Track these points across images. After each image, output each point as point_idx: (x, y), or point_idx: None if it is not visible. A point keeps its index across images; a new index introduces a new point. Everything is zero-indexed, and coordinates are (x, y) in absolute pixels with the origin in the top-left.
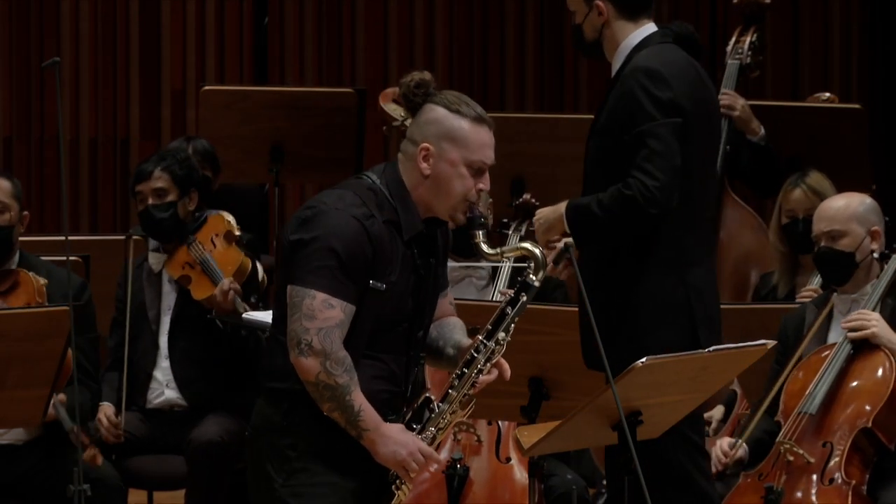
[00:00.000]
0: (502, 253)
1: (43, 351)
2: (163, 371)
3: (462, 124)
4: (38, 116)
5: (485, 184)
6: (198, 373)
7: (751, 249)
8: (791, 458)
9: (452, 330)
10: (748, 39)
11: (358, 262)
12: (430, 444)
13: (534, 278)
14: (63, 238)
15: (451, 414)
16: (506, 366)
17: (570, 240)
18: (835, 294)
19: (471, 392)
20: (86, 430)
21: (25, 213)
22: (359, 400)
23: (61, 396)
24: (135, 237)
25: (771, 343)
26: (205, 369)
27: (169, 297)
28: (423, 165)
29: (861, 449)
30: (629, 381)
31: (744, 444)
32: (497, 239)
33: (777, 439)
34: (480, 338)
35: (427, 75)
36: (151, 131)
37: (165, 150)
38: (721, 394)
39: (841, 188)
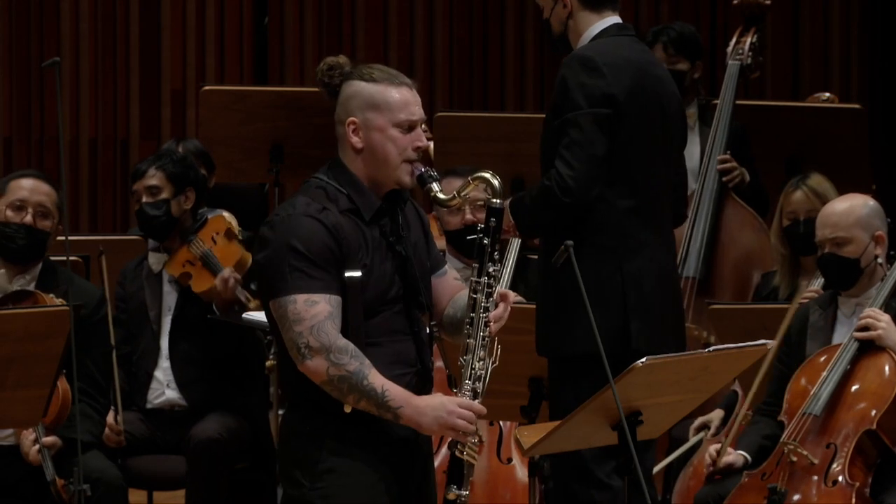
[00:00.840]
0: (459, 193)
1: (43, 351)
2: (163, 371)
3: (380, 89)
4: (38, 116)
5: (421, 141)
6: (198, 373)
7: (752, 249)
8: (795, 459)
9: (466, 300)
10: (748, 40)
11: (324, 253)
12: (474, 398)
13: (497, 202)
14: (63, 238)
15: (479, 362)
16: (510, 294)
17: (570, 241)
18: (839, 296)
19: (487, 334)
20: (67, 484)
21: (60, 226)
22: (378, 381)
23: (50, 439)
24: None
25: (771, 343)
26: (205, 370)
27: (169, 298)
28: (355, 139)
29: (864, 451)
30: (629, 381)
31: (742, 453)
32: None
33: (781, 439)
34: (473, 278)
35: (341, 58)
36: (151, 131)
37: (162, 150)
38: (720, 396)
39: (841, 188)
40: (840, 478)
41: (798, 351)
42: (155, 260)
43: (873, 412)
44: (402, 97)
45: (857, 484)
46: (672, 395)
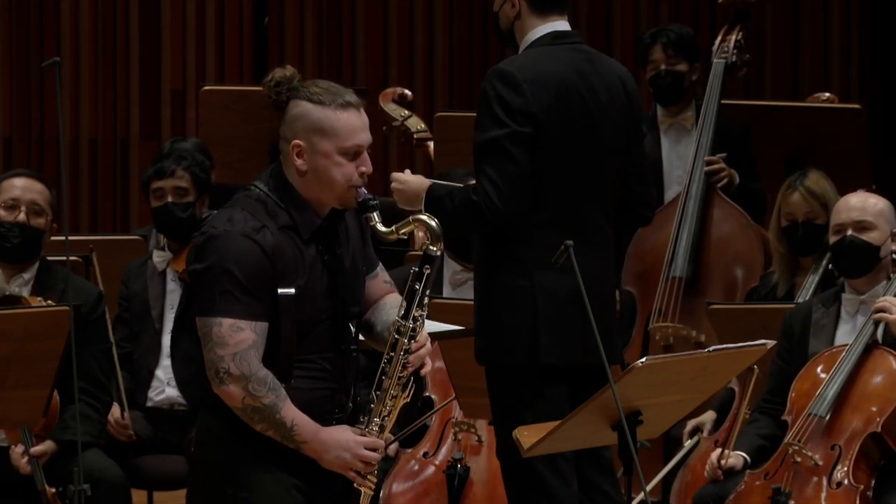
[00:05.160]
0: (397, 230)
1: (43, 351)
2: (164, 369)
3: (327, 114)
4: (38, 116)
5: (366, 166)
6: (199, 371)
7: (739, 248)
8: (799, 460)
9: (388, 311)
10: (734, 38)
11: (258, 278)
12: (380, 434)
13: (434, 249)
14: (63, 238)
15: (391, 399)
16: (427, 360)
17: (569, 241)
18: (843, 294)
19: (404, 374)
20: (58, 492)
21: (55, 224)
22: (290, 414)
23: (41, 448)
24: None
25: (771, 343)
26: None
27: (173, 296)
28: (299, 162)
29: (868, 453)
30: (629, 381)
31: (741, 454)
32: None
33: (785, 440)
34: (398, 318)
35: (288, 70)
36: (151, 131)
37: (179, 151)
38: (713, 397)
39: (841, 188)
40: (844, 480)
41: (800, 349)
42: (159, 258)
43: (879, 414)
44: (350, 123)
45: (861, 486)
46: (672, 395)
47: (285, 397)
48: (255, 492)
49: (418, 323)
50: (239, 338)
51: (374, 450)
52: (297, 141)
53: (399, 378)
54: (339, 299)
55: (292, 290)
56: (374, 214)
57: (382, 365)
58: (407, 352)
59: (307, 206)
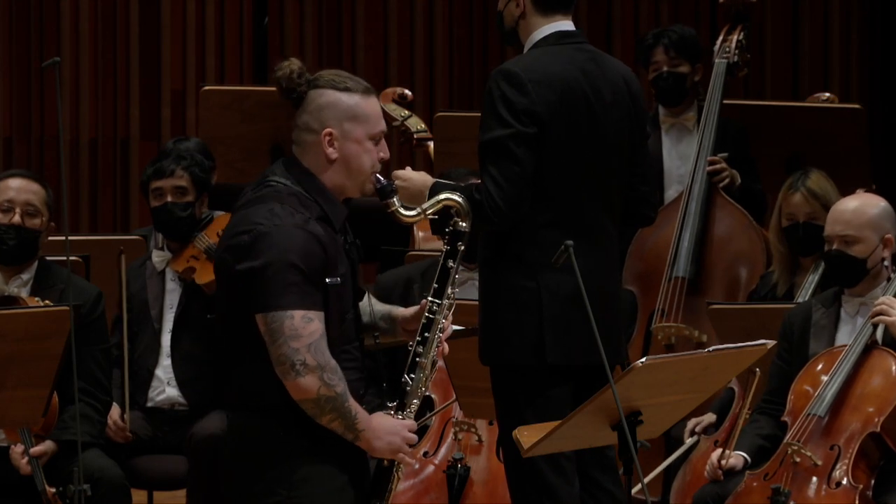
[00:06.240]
0: (424, 211)
1: (43, 351)
2: (164, 369)
3: (357, 100)
4: (38, 116)
5: (385, 151)
6: (199, 371)
7: (741, 248)
8: (798, 460)
9: (365, 302)
10: (735, 38)
11: (316, 268)
12: (413, 416)
13: (463, 225)
14: (63, 238)
15: (425, 380)
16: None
17: (570, 241)
18: (843, 296)
19: (435, 353)
20: (58, 492)
21: (52, 224)
22: (353, 403)
23: (41, 448)
24: (140, 234)
25: (771, 343)
26: (206, 368)
27: (172, 295)
28: (330, 150)
29: (867, 453)
30: (629, 381)
31: (741, 454)
32: None
33: (785, 440)
34: (431, 299)
35: (298, 62)
36: (151, 131)
37: (179, 151)
38: (713, 397)
39: (841, 188)
40: (843, 480)
41: (800, 349)
42: (159, 258)
43: (878, 414)
44: (376, 109)
45: (861, 486)
46: (672, 395)
47: (347, 386)
48: (306, 492)
49: (451, 301)
50: (311, 328)
51: (414, 434)
52: (328, 129)
53: (433, 358)
54: (357, 288)
55: (338, 279)
56: (395, 199)
57: (415, 347)
58: (442, 330)
59: (332, 195)
